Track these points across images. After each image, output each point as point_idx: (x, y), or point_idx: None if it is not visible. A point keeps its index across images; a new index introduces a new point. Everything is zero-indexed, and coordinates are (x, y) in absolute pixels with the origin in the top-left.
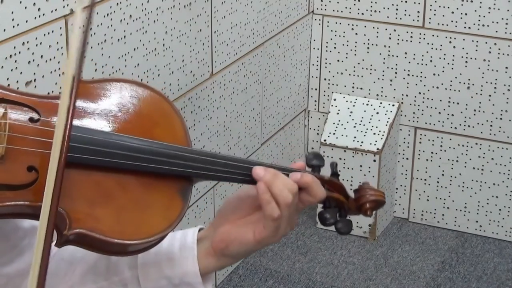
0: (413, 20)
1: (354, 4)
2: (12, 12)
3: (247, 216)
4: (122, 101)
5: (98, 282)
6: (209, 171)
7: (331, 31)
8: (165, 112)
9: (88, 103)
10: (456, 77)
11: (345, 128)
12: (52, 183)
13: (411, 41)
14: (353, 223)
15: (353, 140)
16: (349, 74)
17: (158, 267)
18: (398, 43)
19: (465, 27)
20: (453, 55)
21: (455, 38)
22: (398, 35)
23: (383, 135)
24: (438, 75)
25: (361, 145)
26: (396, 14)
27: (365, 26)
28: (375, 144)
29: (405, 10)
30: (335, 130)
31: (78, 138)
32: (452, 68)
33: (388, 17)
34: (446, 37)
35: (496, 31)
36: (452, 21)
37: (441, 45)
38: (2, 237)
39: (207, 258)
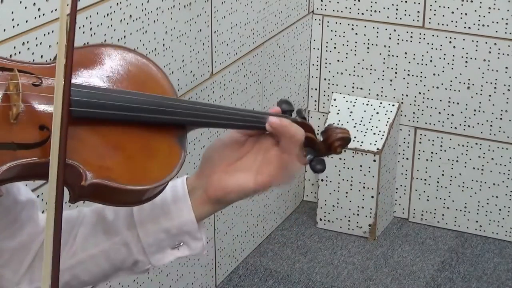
0: (413, 20)
1: (354, 4)
2: (12, 12)
3: (236, 162)
4: (112, 63)
5: (100, 245)
6: (202, 118)
7: (331, 31)
8: (152, 71)
9: (83, 66)
10: (456, 77)
11: None
12: (57, 136)
13: (411, 41)
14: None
15: (353, 140)
16: (349, 74)
17: (156, 221)
18: (398, 43)
19: (465, 27)
20: (453, 55)
21: (455, 38)
22: (398, 35)
23: (383, 135)
24: (438, 75)
25: (361, 145)
26: (396, 14)
27: (365, 26)
28: (375, 144)
29: (405, 10)
30: None
31: (82, 93)
32: (452, 68)
33: (388, 17)
34: (446, 37)
35: (496, 31)
36: (452, 21)
37: (441, 45)
38: (3, 212)
39: (202, 206)
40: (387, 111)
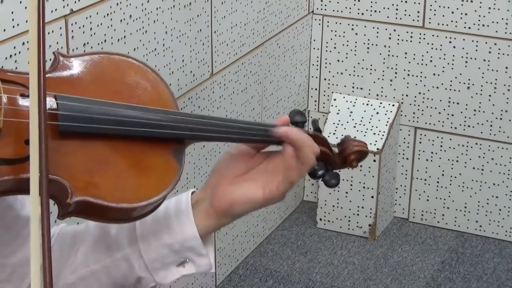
0: (413, 20)
1: (354, 4)
2: (12, 12)
3: (244, 174)
4: (107, 72)
5: (101, 261)
6: (202, 132)
7: (331, 31)
8: (151, 80)
9: (73, 75)
10: (456, 77)
11: (345, 128)
12: (36, 151)
13: (411, 41)
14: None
15: None
16: (349, 74)
17: (157, 236)
18: (398, 43)
19: (465, 27)
20: (453, 55)
21: (455, 38)
22: (398, 35)
23: (383, 135)
24: (438, 75)
25: None
26: (396, 14)
27: (365, 26)
28: (375, 144)
29: (405, 10)
30: (335, 130)
31: (71, 106)
32: (452, 68)
33: (388, 17)
34: (446, 37)
35: (496, 31)
36: (452, 21)
37: (441, 45)
38: (4, 227)
39: (207, 219)
40: (387, 111)
